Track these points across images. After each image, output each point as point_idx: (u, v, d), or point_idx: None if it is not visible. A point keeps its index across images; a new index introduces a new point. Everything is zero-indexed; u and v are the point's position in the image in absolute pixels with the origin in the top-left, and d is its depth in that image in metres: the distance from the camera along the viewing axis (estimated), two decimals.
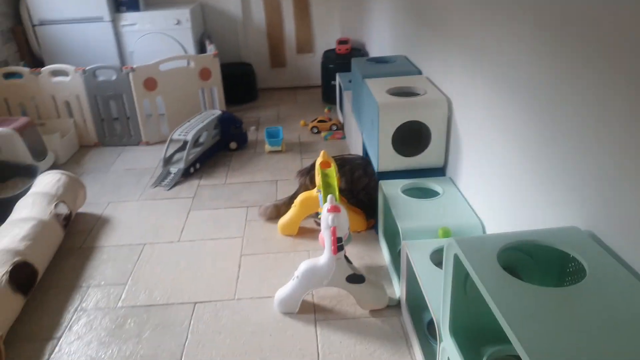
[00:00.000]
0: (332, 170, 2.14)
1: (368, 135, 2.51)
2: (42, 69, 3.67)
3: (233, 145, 3.58)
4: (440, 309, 1.36)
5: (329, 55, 4.40)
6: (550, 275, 1.27)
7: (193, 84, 3.88)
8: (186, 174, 3.22)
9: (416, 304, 1.85)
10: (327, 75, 4.31)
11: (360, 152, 2.83)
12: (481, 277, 1.06)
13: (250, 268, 2.28)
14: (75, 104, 3.72)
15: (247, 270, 2.27)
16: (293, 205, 2.48)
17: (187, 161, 3.22)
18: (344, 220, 1.83)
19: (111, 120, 3.79)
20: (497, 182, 1.73)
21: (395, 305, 1.97)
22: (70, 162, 3.56)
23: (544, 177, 1.40)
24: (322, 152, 2.24)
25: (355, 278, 1.89)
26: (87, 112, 3.73)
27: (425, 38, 2.52)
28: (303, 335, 1.87)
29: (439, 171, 2.28)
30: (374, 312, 1.95)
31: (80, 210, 2.86)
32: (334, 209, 1.81)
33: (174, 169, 3.26)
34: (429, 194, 2.14)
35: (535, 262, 1.26)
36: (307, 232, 2.53)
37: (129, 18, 4.04)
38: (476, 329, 1.29)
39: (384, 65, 2.76)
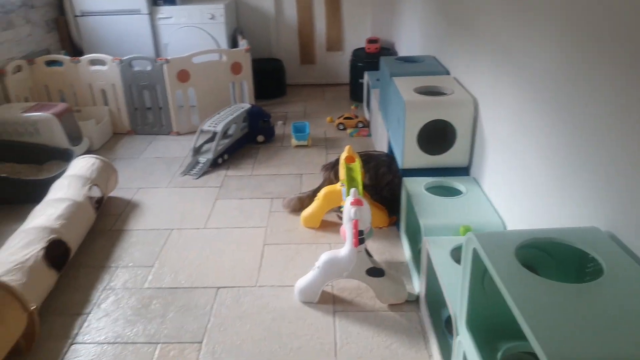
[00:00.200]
0: (357, 165, 2.17)
1: (394, 132, 2.53)
2: (81, 57, 3.80)
3: (260, 138, 3.65)
4: (457, 304, 1.39)
5: (358, 53, 4.43)
6: (569, 275, 1.28)
7: (224, 78, 3.95)
8: (214, 164, 3.30)
9: (435, 300, 1.87)
10: (356, 73, 4.34)
11: (385, 150, 2.85)
12: (498, 272, 1.08)
13: (273, 257, 2.33)
14: (110, 92, 3.84)
15: (269, 259, 2.32)
16: (316, 198, 2.52)
17: (215, 152, 3.30)
18: (366, 213, 1.86)
19: (144, 110, 3.90)
20: (520, 183, 1.74)
21: (414, 301, 2.00)
22: (104, 148, 3.68)
23: (566, 178, 1.41)
24: (347, 147, 2.28)
25: (375, 271, 1.92)
26: (121, 101, 3.85)
27: (454, 39, 2.53)
28: (321, 325, 1.91)
29: (462, 171, 2.29)
30: (393, 307, 1.98)
31: (112, 194, 2.97)
32: (357, 202, 1.84)
33: (202, 159, 3.34)
34: (452, 192, 2.15)
35: (554, 261, 1.27)
36: (329, 225, 2.57)
37: (165, 11, 4.14)
38: (492, 325, 1.31)
39: (412, 64, 2.78)
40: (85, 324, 1.97)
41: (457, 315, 1.38)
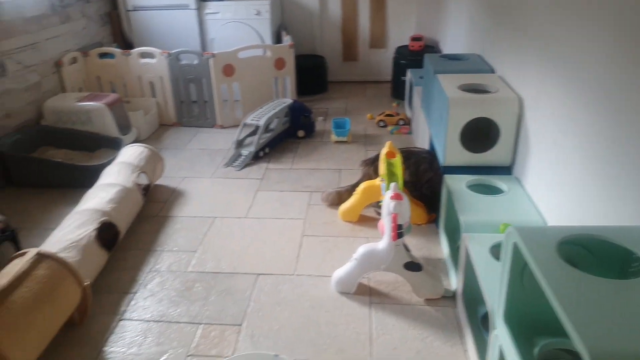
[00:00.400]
0: (398, 160, 2.19)
1: (436, 129, 2.54)
2: (132, 50, 3.95)
3: (301, 133, 3.70)
4: (495, 299, 1.40)
5: (401, 51, 4.43)
6: (611, 274, 1.27)
7: (268, 73, 4.03)
8: (256, 157, 3.38)
9: (472, 297, 1.87)
10: (398, 70, 4.34)
11: (426, 148, 2.85)
12: (539, 266, 1.09)
13: (311, 248, 2.38)
14: (158, 85, 3.99)
15: (307, 249, 2.37)
16: (355, 192, 2.55)
17: (257, 145, 3.38)
18: (405, 208, 1.88)
19: (190, 103, 4.03)
20: (565, 183, 1.72)
21: (450, 297, 2.01)
22: (151, 139, 3.82)
23: (613, 181, 1.39)
24: (388, 143, 2.30)
25: (413, 266, 1.94)
26: (168, 94, 3.99)
27: (501, 37, 2.51)
28: (358, 315, 1.94)
29: (505, 170, 2.27)
30: (429, 301, 1.99)
31: (158, 182, 3.09)
32: (397, 197, 1.86)
33: (245, 152, 3.43)
34: (494, 191, 2.14)
35: (596, 259, 1.26)
36: (367, 220, 2.60)
37: (212, 7, 4.26)
38: (530, 320, 1.32)
39: (457, 62, 2.77)
40: (133, 302, 2.07)
41: (494, 309, 1.39)
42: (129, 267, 2.29)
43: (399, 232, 1.87)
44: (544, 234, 1.18)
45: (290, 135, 3.70)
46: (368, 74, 5.03)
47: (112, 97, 3.56)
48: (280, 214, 2.70)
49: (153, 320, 1.96)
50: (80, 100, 3.49)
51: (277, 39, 4.41)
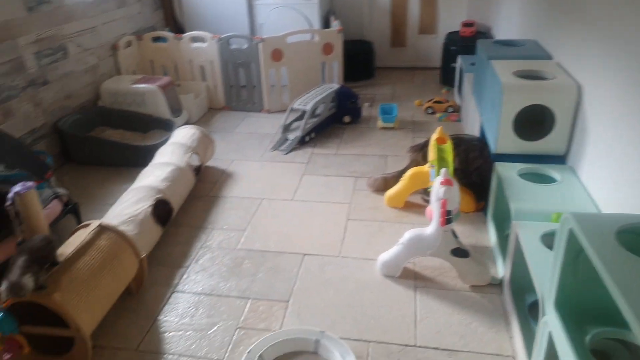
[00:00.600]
0: (448, 146, 2.18)
1: (488, 116, 2.50)
2: (184, 35, 4.05)
3: (347, 119, 3.71)
4: (546, 286, 1.39)
5: (452, 37, 4.35)
6: None
7: (316, 58, 4.05)
8: (302, 142, 3.42)
9: (519, 285, 1.86)
10: (448, 57, 4.27)
11: (476, 135, 2.81)
12: (598, 253, 1.07)
13: (356, 231, 2.41)
14: (209, 69, 4.08)
15: (352, 233, 2.40)
16: (402, 178, 2.55)
17: (304, 130, 3.42)
18: (455, 194, 1.88)
19: (239, 87, 4.11)
20: (624, 174, 1.67)
21: (496, 285, 1.99)
22: (201, 121, 3.93)
23: None
24: (438, 128, 2.29)
25: (460, 252, 1.94)
26: (218, 78, 4.07)
27: (560, 22, 2.43)
28: (402, 298, 1.96)
29: (558, 159, 2.22)
30: (474, 288, 1.99)
31: (209, 163, 3.18)
32: (447, 182, 1.86)
33: (291, 136, 3.47)
34: (546, 180, 2.10)
35: None
36: (413, 206, 2.60)
37: None
38: (582, 308, 1.30)
39: (511, 48, 2.70)
40: (185, 276, 2.16)
41: (544, 296, 1.38)
42: (181, 243, 2.39)
43: (447, 218, 1.87)
44: (601, 221, 1.16)
45: (336, 121, 3.72)
46: (416, 60, 4.97)
47: (164, 80, 3.67)
48: (326, 197, 2.74)
49: (204, 294, 2.05)
50: (134, 83, 3.61)
51: (326, 24, 4.41)
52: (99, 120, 3.52)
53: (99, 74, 3.68)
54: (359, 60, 4.63)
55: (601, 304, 1.26)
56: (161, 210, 2.35)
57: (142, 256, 2.00)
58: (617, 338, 1.26)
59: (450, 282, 2.03)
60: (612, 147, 1.78)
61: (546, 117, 2.18)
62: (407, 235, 2.00)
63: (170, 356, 1.75)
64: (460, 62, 3.81)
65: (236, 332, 1.84)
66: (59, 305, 1.57)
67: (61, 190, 2.38)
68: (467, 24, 4.27)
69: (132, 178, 2.93)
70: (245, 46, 3.89)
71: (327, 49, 4.03)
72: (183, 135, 2.98)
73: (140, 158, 3.07)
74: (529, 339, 1.63)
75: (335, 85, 3.74)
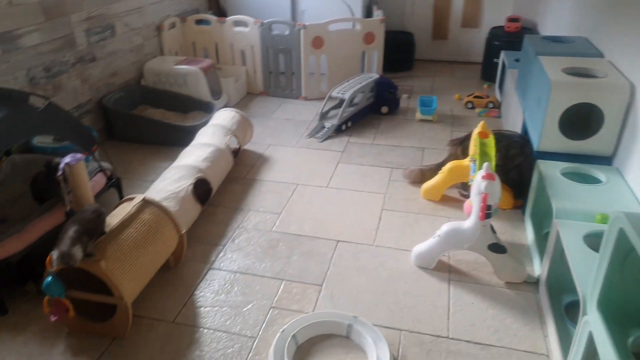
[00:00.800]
0: (491, 141, 2.15)
1: (531, 113, 2.45)
2: (227, 18, 4.09)
3: (384, 109, 3.70)
4: (588, 286, 1.37)
5: (496, 32, 4.27)
6: None
7: (356, 47, 4.04)
8: (338, 130, 3.43)
9: (556, 285, 1.83)
10: (491, 52, 4.20)
11: (518, 132, 2.77)
12: None
13: (390, 222, 2.42)
14: (249, 53, 4.11)
15: (387, 223, 2.41)
16: (440, 171, 2.54)
17: (341, 118, 3.42)
18: (496, 189, 1.86)
19: (278, 73, 4.13)
20: None
21: (532, 283, 1.97)
22: (239, 106, 3.97)
23: None
24: (481, 122, 2.26)
25: (498, 247, 1.92)
26: (258, 63, 4.11)
27: (613, 20, 2.36)
28: (436, 289, 1.97)
29: (604, 160, 2.17)
30: (510, 285, 1.97)
31: (247, 146, 3.22)
32: (489, 177, 1.84)
33: (328, 124, 3.48)
34: (590, 181, 2.05)
35: None
36: (449, 200, 2.58)
37: None
38: (625, 310, 1.28)
39: (560, 44, 2.64)
40: (221, 254, 2.21)
41: (586, 296, 1.36)
42: (218, 222, 2.44)
43: (487, 212, 1.85)
44: None
45: (373, 111, 3.71)
46: (457, 54, 4.90)
47: (206, 62, 3.73)
48: (361, 186, 2.75)
49: (239, 272, 2.09)
50: (177, 64, 3.68)
51: (368, 14, 4.38)
52: (141, 99, 3.61)
53: (143, 54, 3.76)
54: (399, 52, 4.60)
55: None
56: (201, 189, 2.40)
57: (183, 232, 2.06)
58: None
59: (485, 277, 2.02)
60: None
61: (594, 116, 2.13)
62: (445, 227, 1.99)
63: (205, 330, 1.80)
64: (503, 57, 3.74)
65: (270, 312, 1.88)
66: (104, 272, 1.64)
67: (105, 164, 2.45)
68: (512, 19, 4.18)
69: (171, 157, 3.00)
70: (287, 32, 3.91)
71: (369, 38, 4.01)
72: (224, 117, 3.03)
73: (180, 138, 3.14)
74: (564, 338, 1.62)
75: (375, 75, 3.72)
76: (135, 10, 3.62)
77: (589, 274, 1.45)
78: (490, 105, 3.68)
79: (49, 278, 1.66)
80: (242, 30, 4.06)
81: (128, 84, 3.61)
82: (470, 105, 3.75)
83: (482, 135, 2.20)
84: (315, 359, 1.67)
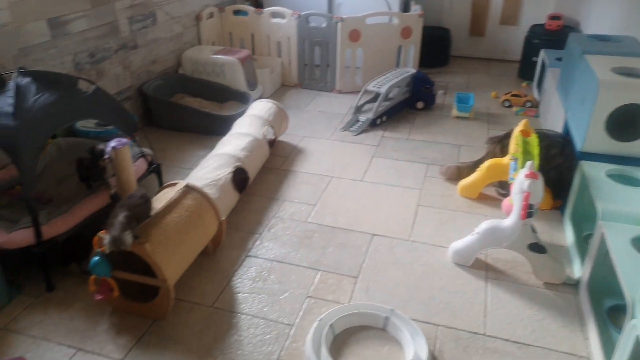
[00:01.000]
0: (534, 139, 2.12)
1: (575, 114, 2.41)
2: (265, 9, 4.11)
3: (420, 104, 3.68)
4: (636, 289, 1.35)
5: (536, 30, 4.18)
6: None
7: (393, 41, 4.01)
8: (373, 124, 3.42)
9: (598, 288, 1.81)
10: (530, 50, 4.12)
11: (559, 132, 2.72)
12: None
13: (426, 217, 2.41)
14: (285, 45, 4.13)
15: (422, 218, 2.40)
16: (479, 169, 2.52)
17: (376, 112, 3.41)
18: (539, 188, 1.84)
19: (313, 66, 4.14)
20: None
21: (572, 285, 1.95)
22: (273, 97, 3.99)
23: None
24: (523, 121, 2.23)
25: (538, 247, 1.90)
26: (293, 55, 4.12)
27: None
28: (473, 287, 1.96)
29: None
30: (548, 285, 1.95)
31: (281, 138, 3.25)
32: (532, 175, 1.82)
33: (362, 118, 3.48)
34: (636, 184, 2.01)
35: None
36: (486, 198, 2.56)
37: None
38: None
39: (607, 43, 2.58)
40: (258, 242, 2.24)
41: (635, 299, 1.34)
42: (254, 211, 2.47)
43: (529, 211, 1.83)
44: None
45: (408, 106, 3.69)
46: (494, 52, 4.82)
47: (244, 52, 3.76)
48: (396, 181, 2.74)
49: (276, 260, 2.12)
50: (215, 53, 3.72)
51: (405, 8, 4.35)
52: (179, 87, 3.66)
53: (182, 42, 3.82)
54: (435, 47, 4.55)
55: None
56: (239, 178, 2.44)
57: (222, 219, 2.10)
58: None
59: (523, 277, 2.00)
60: None
61: None
62: (484, 225, 1.98)
63: (243, 316, 1.83)
64: (543, 56, 3.67)
65: (306, 301, 1.90)
66: (149, 254, 1.68)
67: (146, 150, 2.51)
68: (553, 17, 4.10)
69: (207, 145, 3.05)
70: (324, 25, 3.91)
71: (406, 32, 3.98)
72: (261, 108, 3.06)
73: (216, 127, 3.19)
74: (606, 342, 1.60)
75: (412, 70, 3.70)
76: None
77: (636, 278, 1.43)
78: (528, 104, 3.62)
79: (97, 258, 1.71)
80: (279, 22, 4.07)
81: (167, 72, 3.67)
82: (507, 104, 3.69)
83: (524, 133, 2.17)
84: (351, 349, 1.68)
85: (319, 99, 3.97)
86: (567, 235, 2.22)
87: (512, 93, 3.69)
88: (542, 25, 4.22)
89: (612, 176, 2.03)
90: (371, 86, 3.51)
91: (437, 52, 4.59)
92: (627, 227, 1.68)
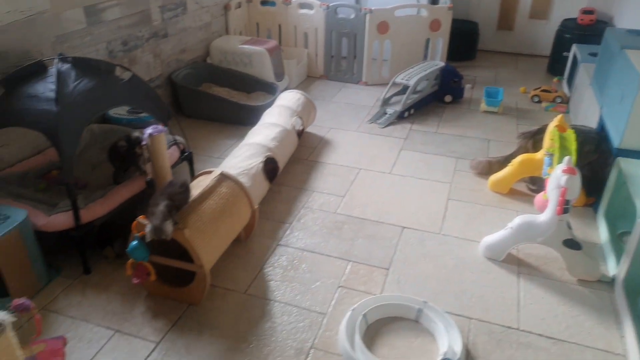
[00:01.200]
0: (571, 134, 2.10)
1: (612, 110, 2.37)
2: (292, 0, 4.11)
3: (448, 98, 3.65)
4: None
5: (567, 24, 4.12)
6: None
7: (421, 33, 3.98)
8: (400, 117, 3.41)
9: (634, 286, 1.79)
10: (561, 45, 4.05)
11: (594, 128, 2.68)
12: None
13: (456, 211, 2.40)
14: (312, 36, 4.13)
15: (453, 212, 2.40)
16: (510, 164, 2.50)
17: (404, 105, 3.40)
18: (576, 184, 1.82)
19: (339, 57, 4.13)
20: None
21: (606, 282, 1.93)
22: (299, 88, 3.99)
23: None
24: (559, 116, 2.21)
25: (573, 244, 1.89)
26: (320, 46, 4.11)
27: None
28: (505, 281, 1.95)
29: None
30: (582, 282, 1.94)
31: (308, 129, 3.25)
32: (570, 171, 1.81)
33: (390, 110, 3.47)
34: None
35: None
36: (517, 193, 2.54)
37: None
38: None
39: None
40: (288, 232, 2.26)
41: None
42: (283, 201, 2.49)
43: (565, 207, 1.82)
44: None
45: (436, 99, 3.67)
46: (522, 46, 4.76)
47: (272, 43, 3.76)
48: (425, 175, 2.73)
49: (306, 250, 2.13)
50: (243, 44, 3.73)
51: (434, 0, 4.30)
52: (207, 77, 3.68)
53: (211, 32, 3.84)
54: (462, 41, 4.50)
55: None
56: (269, 168, 2.46)
57: (255, 207, 2.12)
58: None
59: (556, 273, 1.99)
60: None
61: None
62: (518, 220, 1.97)
63: (276, 303, 1.85)
64: (575, 51, 3.61)
65: (338, 291, 1.91)
66: (187, 240, 1.71)
67: (179, 138, 2.54)
68: (586, 11, 4.02)
69: (235, 135, 3.08)
70: (352, 16, 3.90)
71: (435, 25, 3.94)
72: (289, 98, 3.07)
73: (245, 117, 3.21)
74: None
75: (441, 63, 3.67)
76: None
77: None
78: (558, 99, 3.57)
79: (135, 242, 1.74)
80: (307, 13, 4.07)
81: (195, 61, 3.69)
82: (536, 99, 3.65)
83: (561, 129, 2.15)
84: (384, 340, 1.69)
85: (345, 91, 3.96)
86: (601, 233, 2.20)
87: (542, 88, 3.64)
88: (574, 19, 4.15)
89: None
90: (399, 78, 3.49)
91: (464, 45, 4.54)
92: None
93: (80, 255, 1.99)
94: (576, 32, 3.95)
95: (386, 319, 1.77)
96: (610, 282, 1.92)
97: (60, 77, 1.95)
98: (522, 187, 2.57)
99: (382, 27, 3.86)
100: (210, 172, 2.09)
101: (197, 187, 1.96)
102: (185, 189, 1.80)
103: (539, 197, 2.33)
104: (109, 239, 2.10)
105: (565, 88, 3.74)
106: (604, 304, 1.83)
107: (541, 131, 2.49)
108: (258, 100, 3.52)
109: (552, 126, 2.19)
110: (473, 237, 2.20)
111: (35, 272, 1.88)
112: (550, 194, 1.88)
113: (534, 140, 2.53)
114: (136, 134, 2.19)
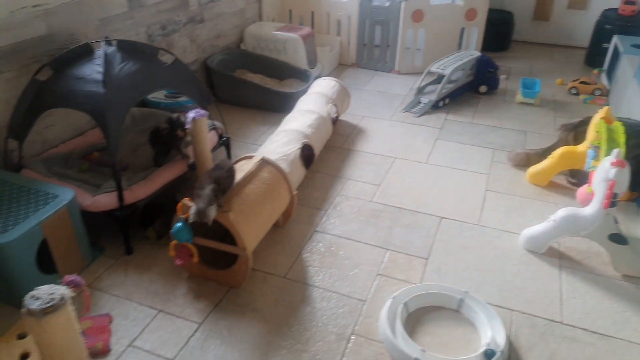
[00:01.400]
0: (619, 127, 2.05)
1: None
2: None
3: (483, 88, 3.60)
4: None
5: (608, 14, 4.00)
6: None
7: (456, 22, 3.92)
8: (435, 106, 3.37)
9: None
10: (601, 36, 3.95)
11: None
12: None
13: (495, 203, 2.37)
14: (345, 24, 4.09)
15: (491, 204, 2.37)
16: (550, 156, 2.46)
17: (439, 94, 3.36)
18: (625, 177, 1.79)
19: (372, 45, 4.10)
20: None
21: None
22: (332, 75, 3.95)
23: None
24: (605, 108, 2.16)
25: (619, 238, 1.85)
26: (353, 34, 4.08)
27: None
28: (546, 274, 1.93)
29: None
30: (627, 278, 1.90)
31: (341, 117, 3.24)
32: (619, 164, 1.77)
33: (424, 99, 3.43)
34: None
35: None
36: (556, 186, 2.50)
37: None
38: None
39: None
40: (324, 219, 2.26)
41: None
42: (319, 188, 2.49)
43: (612, 200, 1.78)
44: None
45: (471, 89, 3.62)
46: (558, 37, 4.65)
47: (306, 30, 3.75)
48: (461, 165, 2.70)
49: (344, 237, 2.14)
50: (277, 30, 3.72)
51: None
52: (240, 63, 3.69)
53: (244, 18, 3.84)
54: (496, 31, 4.40)
55: None
56: (306, 154, 2.46)
57: (294, 193, 2.12)
58: None
59: (599, 268, 1.96)
60: None
61: None
62: (561, 212, 1.94)
63: (315, 288, 1.86)
64: (616, 42, 3.51)
65: (377, 278, 1.91)
66: (231, 223, 1.72)
67: (217, 123, 2.55)
68: (628, 2, 3.90)
69: (269, 121, 3.09)
70: (387, 4, 3.85)
71: (471, 14, 3.88)
72: (324, 86, 3.06)
73: (279, 104, 3.21)
74: None
75: (476, 53, 3.61)
76: None
77: None
78: (597, 92, 3.49)
79: (180, 224, 1.76)
80: (341, 0, 4.04)
81: (229, 47, 3.70)
82: (574, 91, 3.57)
83: (607, 121, 2.10)
84: (425, 328, 1.69)
85: (377, 79, 3.93)
86: None
87: (580, 80, 3.56)
88: (614, 10, 4.03)
89: None
90: (435, 67, 3.45)
91: (498, 35, 4.45)
92: None
93: (123, 236, 2.02)
94: (617, 23, 3.85)
95: (427, 307, 1.77)
96: None
97: (107, 60, 1.98)
98: (562, 180, 2.53)
99: (417, 16, 3.81)
100: (250, 157, 2.10)
101: (240, 171, 1.97)
102: (232, 173, 1.82)
103: (582, 190, 2.29)
104: (151, 221, 2.13)
105: (604, 80, 3.65)
106: None
107: (583, 123, 2.44)
108: (291, 87, 3.52)
109: (597, 118, 2.14)
110: (512, 229, 2.18)
111: (81, 250, 1.93)
112: (596, 187, 1.84)
113: (575, 132, 2.48)
114: (178, 117, 2.21)
